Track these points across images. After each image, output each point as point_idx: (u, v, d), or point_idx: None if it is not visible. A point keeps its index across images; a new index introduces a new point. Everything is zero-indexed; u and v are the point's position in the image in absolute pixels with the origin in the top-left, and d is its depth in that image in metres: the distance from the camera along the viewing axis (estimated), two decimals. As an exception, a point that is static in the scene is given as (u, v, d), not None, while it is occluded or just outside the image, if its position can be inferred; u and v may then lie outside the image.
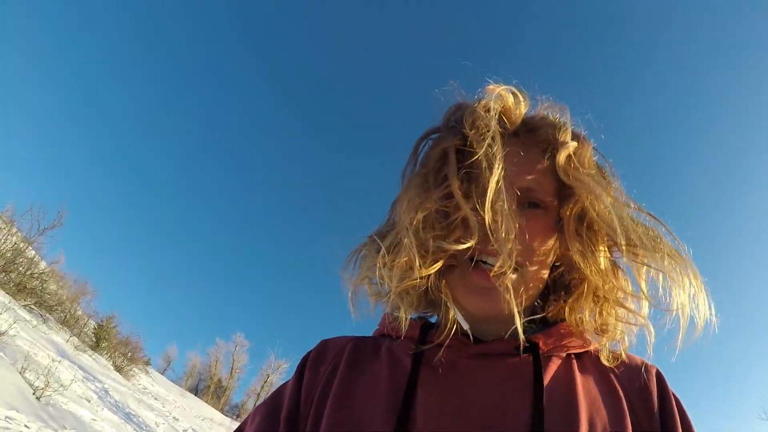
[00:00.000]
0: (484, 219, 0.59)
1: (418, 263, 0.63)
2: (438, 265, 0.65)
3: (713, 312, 0.65)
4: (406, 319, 0.69)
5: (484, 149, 0.62)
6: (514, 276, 0.65)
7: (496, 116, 0.67)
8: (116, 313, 21.45)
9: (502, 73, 0.75)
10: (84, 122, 71.86)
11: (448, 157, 0.67)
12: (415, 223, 0.63)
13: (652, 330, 0.67)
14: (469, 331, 0.68)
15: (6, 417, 4.83)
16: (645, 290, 0.67)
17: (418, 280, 0.66)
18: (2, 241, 14.13)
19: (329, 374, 0.72)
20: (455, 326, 0.68)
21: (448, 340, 0.66)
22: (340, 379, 0.70)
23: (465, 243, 0.61)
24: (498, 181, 0.61)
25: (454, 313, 0.68)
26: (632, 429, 0.61)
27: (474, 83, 0.74)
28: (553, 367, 0.66)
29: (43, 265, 17.00)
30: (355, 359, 0.73)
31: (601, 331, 0.70)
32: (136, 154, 75.61)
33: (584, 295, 0.70)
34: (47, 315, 15.06)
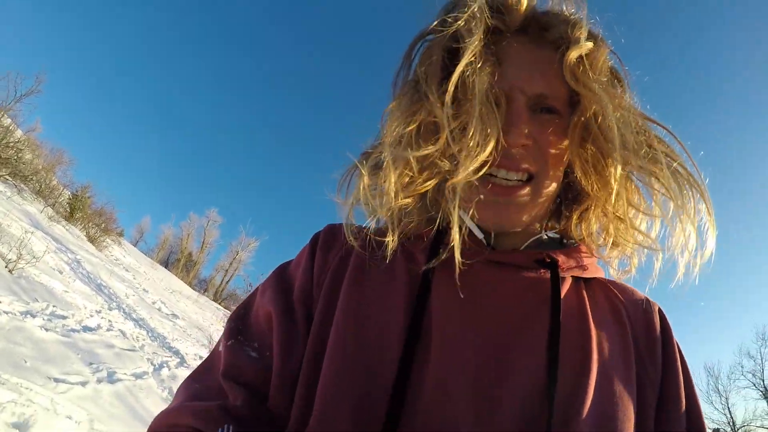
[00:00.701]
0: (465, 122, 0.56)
1: (398, 185, 0.61)
2: (431, 183, 0.63)
3: (711, 250, 0.62)
4: (395, 241, 0.65)
5: (467, 43, 0.57)
6: (527, 189, 0.63)
7: (486, 6, 0.61)
8: (92, 182, 21.21)
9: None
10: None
11: (433, 57, 0.61)
12: (397, 139, 0.60)
13: (660, 254, 0.64)
14: (484, 240, 0.66)
15: (-22, 292, 4.84)
16: (659, 211, 0.63)
17: (410, 200, 0.64)
18: (-25, 108, 13.34)
19: (339, 261, 0.70)
20: (467, 231, 0.64)
21: (462, 243, 0.61)
22: (353, 268, 0.68)
23: (436, 176, 0.60)
24: (463, 72, 0.56)
25: (464, 223, 0.64)
26: (635, 362, 0.63)
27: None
28: (566, 287, 0.65)
29: (18, 133, 16.50)
30: (366, 250, 0.70)
31: (613, 244, 0.69)
32: (119, 21, 70.99)
33: (591, 209, 0.68)
34: (22, 185, 14.76)
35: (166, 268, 40.70)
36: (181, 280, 37.66)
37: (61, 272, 8.94)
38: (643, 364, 0.63)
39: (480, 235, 0.66)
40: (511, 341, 0.59)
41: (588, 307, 0.65)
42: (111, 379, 5.07)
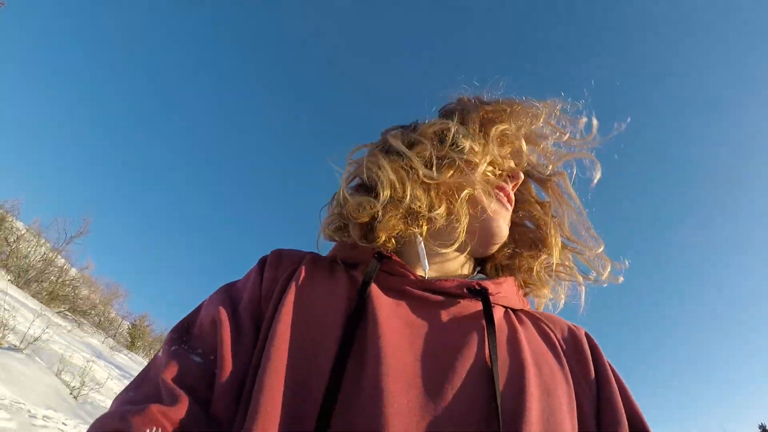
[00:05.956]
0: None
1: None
2: (407, 227, 0.73)
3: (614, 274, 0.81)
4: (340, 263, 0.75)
5: (455, 129, 0.75)
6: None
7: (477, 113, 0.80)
8: (148, 312, 22.25)
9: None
10: (91, 125, 72.94)
11: (471, 125, 0.78)
12: (390, 196, 0.71)
13: (584, 287, 0.82)
14: (426, 274, 0.72)
15: (44, 416, 5.00)
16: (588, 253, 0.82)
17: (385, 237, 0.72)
18: (32, 252, 14.69)
19: (287, 277, 0.71)
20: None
21: (401, 270, 0.70)
22: (296, 286, 0.69)
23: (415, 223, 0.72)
24: (493, 134, 0.76)
25: (420, 257, 0.72)
26: (571, 380, 0.66)
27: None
28: (497, 314, 0.69)
29: (73, 272, 17.40)
30: (313, 268, 0.73)
31: (556, 277, 0.84)
32: (151, 155, 76.54)
33: (539, 253, 0.82)
34: (81, 320, 15.36)
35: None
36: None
37: (125, 396, 8.80)
38: (578, 382, 0.67)
39: (426, 267, 0.72)
40: (449, 356, 0.60)
41: (520, 331, 0.69)
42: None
